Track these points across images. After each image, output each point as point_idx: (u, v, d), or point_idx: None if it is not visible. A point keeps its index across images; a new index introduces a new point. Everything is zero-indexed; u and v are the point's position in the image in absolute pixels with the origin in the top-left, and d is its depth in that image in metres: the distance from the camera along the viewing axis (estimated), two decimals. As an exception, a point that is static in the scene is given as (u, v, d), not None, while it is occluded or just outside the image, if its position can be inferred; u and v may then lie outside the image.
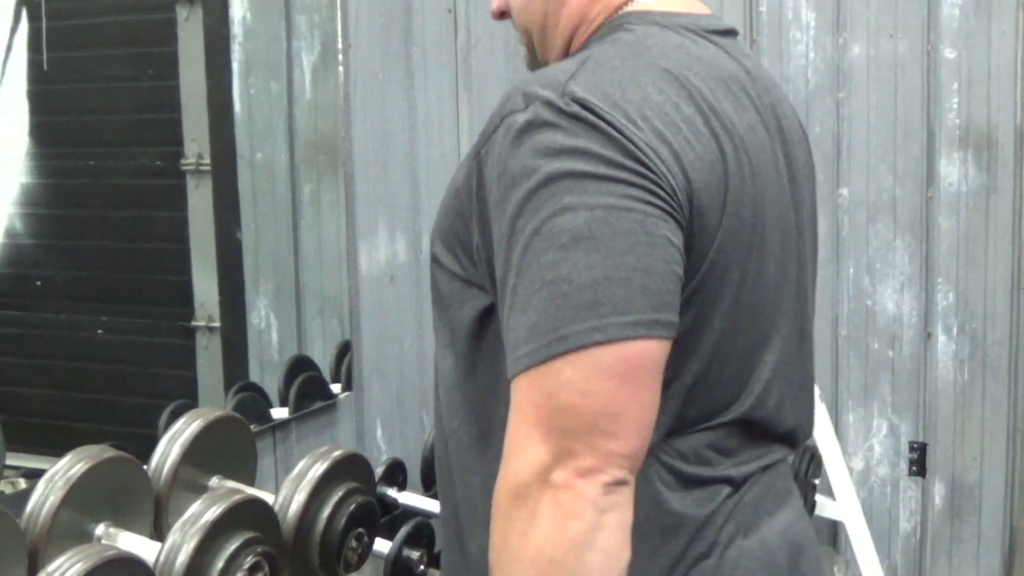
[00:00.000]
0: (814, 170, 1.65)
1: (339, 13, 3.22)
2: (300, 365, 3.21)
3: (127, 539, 1.86)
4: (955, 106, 3.96)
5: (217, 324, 2.92)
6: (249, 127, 3.01)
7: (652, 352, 1.21)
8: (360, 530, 2.06)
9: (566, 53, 1.50)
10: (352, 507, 2.04)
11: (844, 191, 4.11)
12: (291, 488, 2.00)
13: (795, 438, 1.56)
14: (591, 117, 1.23)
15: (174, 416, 2.55)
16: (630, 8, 1.45)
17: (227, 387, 2.93)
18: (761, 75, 1.50)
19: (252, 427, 2.74)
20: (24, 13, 2.59)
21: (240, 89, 2.97)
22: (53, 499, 1.79)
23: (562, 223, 1.20)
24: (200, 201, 2.87)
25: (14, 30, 2.59)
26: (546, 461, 1.18)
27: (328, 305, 3.34)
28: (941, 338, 4.07)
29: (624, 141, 1.22)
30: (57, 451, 2.22)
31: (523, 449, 1.19)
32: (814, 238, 1.58)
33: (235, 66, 2.96)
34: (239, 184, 2.99)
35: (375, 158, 3.44)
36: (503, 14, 1.59)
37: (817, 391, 3.84)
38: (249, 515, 1.83)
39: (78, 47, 2.72)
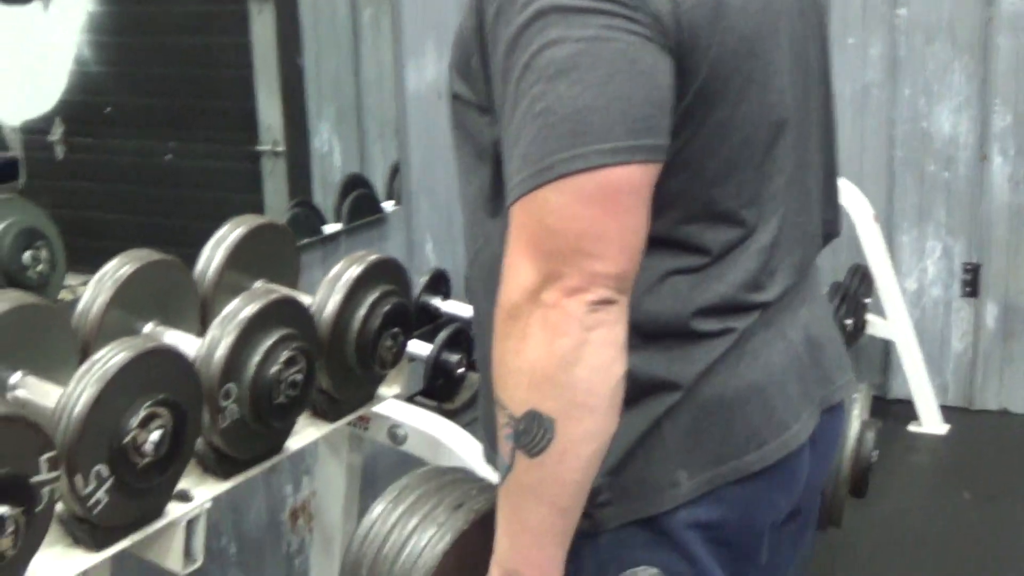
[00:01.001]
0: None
1: None
2: (354, 183, 3.30)
3: (172, 335, 1.96)
4: (1018, -78, 3.94)
5: (282, 148, 3.01)
6: (310, -47, 3.07)
7: (634, 177, 1.27)
8: (395, 330, 2.13)
9: None
10: (387, 307, 2.10)
11: (902, 11, 4.13)
12: (327, 289, 2.07)
13: (824, 238, 1.62)
14: None
15: None
16: None
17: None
18: None
19: (305, 239, 2.87)
20: None
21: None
22: (102, 299, 1.88)
23: (549, 56, 1.25)
24: (263, 27, 2.94)
25: None
26: (536, 282, 1.25)
27: (388, 127, 3.43)
28: (997, 159, 4.13)
29: None
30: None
31: (516, 271, 1.27)
32: (821, 33, 1.59)
33: None
34: (300, 9, 3.04)
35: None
36: None
37: (871, 211, 3.94)
38: (286, 313, 1.91)
39: None
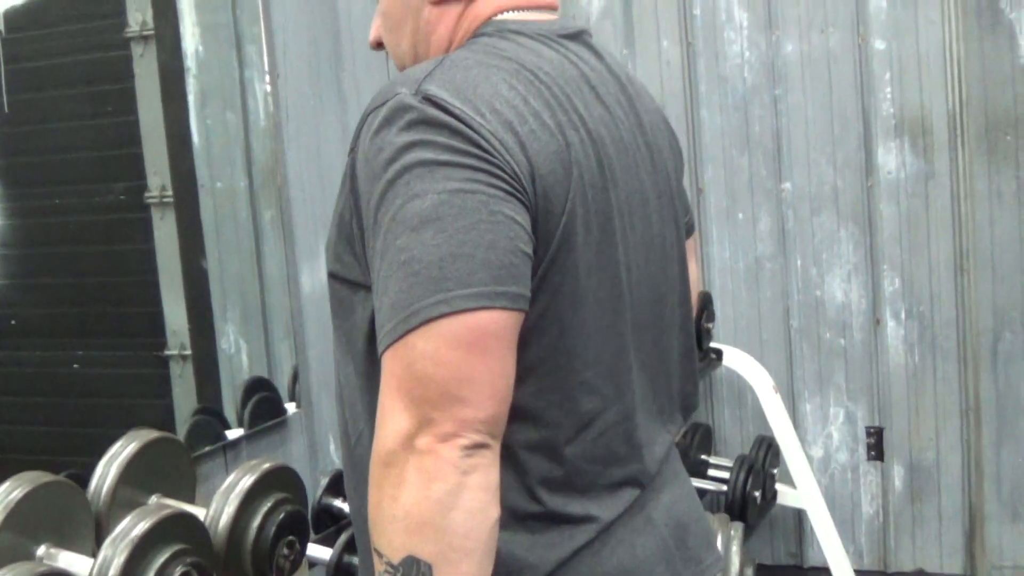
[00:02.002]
0: (680, 157, 1.79)
1: (264, 47, 3.36)
2: (256, 386, 3.36)
3: (66, 557, 1.98)
4: (889, 95, 4.21)
5: (189, 352, 3.07)
6: (208, 157, 3.18)
7: (497, 321, 1.33)
8: (291, 538, 2.17)
9: None
10: (281, 516, 2.15)
11: (787, 185, 4.34)
12: (221, 500, 2.12)
13: (682, 414, 1.72)
14: (439, 113, 1.37)
15: None
16: (489, 23, 1.60)
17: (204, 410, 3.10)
18: (618, 72, 1.65)
19: (207, 447, 2.91)
20: (-19, 58, 2.74)
21: (197, 120, 3.14)
22: None
23: (413, 208, 1.33)
24: (166, 232, 3.02)
25: (-28, 76, 2.73)
26: (409, 429, 1.30)
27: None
28: (890, 323, 4.31)
29: (469, 132, 1.36)
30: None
31: (389, 419, 1.32)
32: (677, 218, 1.68)
33: (191, 98, 3.13)
34: (202, 214, 3.14)
35: (311, 182, 3.58)
36: (379, 44, 1.74)
37: (772, 383, 4.10)
38: (178, 528, 1.95)
39: (38, 88, 2.87)
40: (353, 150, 1.46)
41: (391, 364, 1.33)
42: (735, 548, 3.02)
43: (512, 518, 1.43)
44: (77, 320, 2.95)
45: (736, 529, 3.06)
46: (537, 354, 1.43)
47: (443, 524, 1.29)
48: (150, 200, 3.00)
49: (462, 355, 1.31)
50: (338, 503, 3.18)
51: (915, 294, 4.27)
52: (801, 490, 4.25)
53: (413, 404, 1.31)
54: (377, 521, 1.34)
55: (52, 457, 2.76)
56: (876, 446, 4.39)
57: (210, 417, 3.16)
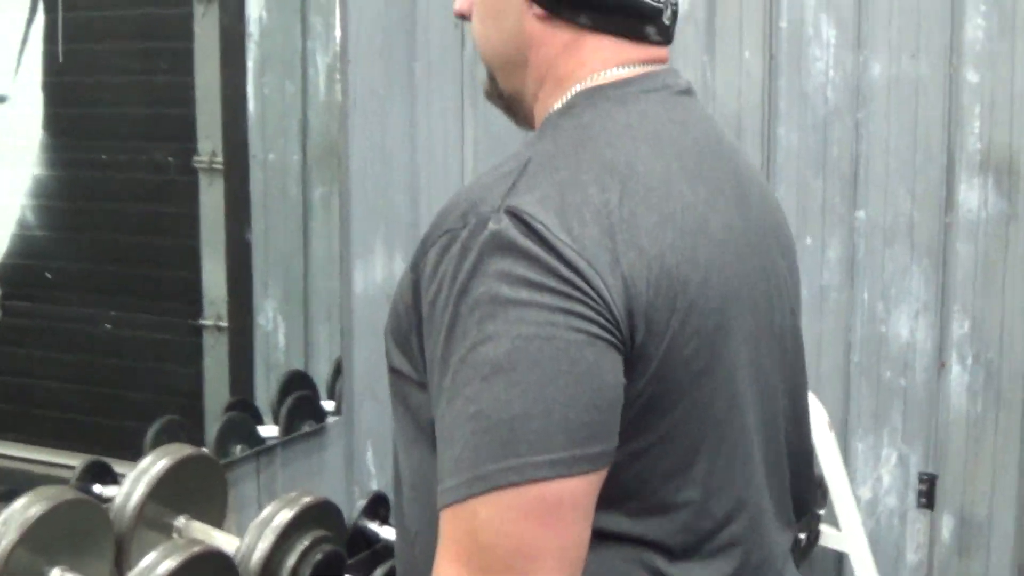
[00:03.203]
0: (785, 229, 1.69)
1: (338, 31, 3.38)
2: (294, 382, 3.37)
3: None
4: (976, 130, 4.16)
5: (225, 324, 3.11)
6: (262, 127, 3.22)
7: (574, 489, 1.24)
8: None
9: (535, 96, 1.54)
10: (319, 557, 2.09)
11: (861, 213, 4.31)
12: (255, 535, 2.07)
13: (796, 515, 1.65)
14: (519, 237, 1.27)
15: (159, 436, 2.74)
16: (587, 84, 1.48)
17: (231, 387, 3.13)
18: (718, 134, 1.55)
19: (239, 450, 2.92)
20: (40, 4, 2.79)
21: (254, 88, 3.18)
22: (6, 542, 1.88)
23: (484, 353, 1.24)
24: (212, 199, 3.07)
25: (30, 21, 2.78)
26: None
27: (335, 309, 3.54)
28: (955, 368, 4.27)
29: (551, 259, 1.26)
30: (61, 444, 2.42)
31: None
32: (793, 310, 1.62)
33: (250, 64, 3.17)
34: (251, 184, 3.18)
35: (373, 176, 3.60)
36: (464, 16, 1.60)
37: (826, 418, 4.07)
38: (206, 568, 1.90)
39: (94, 39, 2.92)
40: (417, 267, 1.36)
41: (450, 527, 1.26)
42: None
43: None
44: (114, 279, 3.00)
45: None
46: (632, 477, 1.35)
47: None
48: (199, 164, 3.04)
49: (531, 527, 1.22)
50: (374, 527, 3.16)
51: (984, 339, 4.22)
52: (846, 532, 4.21)
53: (472, 574, 1.23)
54: None
55: (76, 416, 2.81)
56: (927, 493, 4.35)
57: (243, 413, 3.18)
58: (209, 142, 3.03)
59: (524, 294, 1.24)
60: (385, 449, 3.59)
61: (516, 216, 1.27)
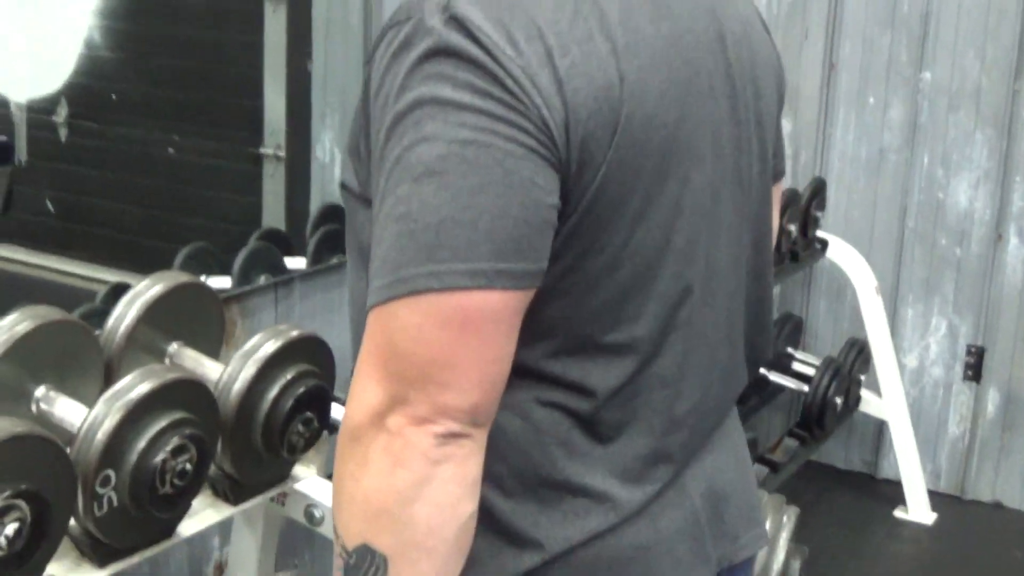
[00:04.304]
0: (779, 77, 1.62)
1: None
2: (328, 216, 3.40)
3: (63, 405, 1.96)
4: (1056, -7, 4.16)
5: (284, 153, 3.19)
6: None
7: (495, 303, 1.24)
8: (308, 414, 2.11)
9: None
10: (301, 390, 2.07)
11: (927, 75, 4.35)
12: (237, 365, 2.05)
13: (749, 368, 1.62)
14: (464, 41, 1.25)
15: (187, 261, 2.81)
16: None
17: (287, 217, 3.21)
18: None
19: (263, 278, 2.97)
20: None
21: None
22: None
23: (419, 153, 1.23)
24: (276, 26, 3.12)
25: None
26: (381, 405, 1.24)
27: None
28: (1012, 240, 4.35)
29: (496, 68, 1.24)
30: (119, 264, 2.52)
31: (362, 389, 1.26)
32: (763, 151, 1.56)
33: None
34: (314, 12, 3.23)
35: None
36: None
37: (875, 283, 4.15)
38: (184, 394, 1.90)
39: None
40: (370, 62, 1.35)
41: (373, 327, 1.27)
42: (784, 536, 2.92)
43: (520, 484, 1.38)
44: (177, 104, 3.07)
45: (790, 515, 2.99)
46: (559, 314, 1.34)
47: (403, 516, 1.24)
48: (264, -9, 3.09)
49: (448, 336, 1.23)
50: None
51: (1046, 212, 4.27)
52: (886, 400, 4.33)
53: (389, 378, 1.24)
54: (337, 498, 1.30)
55: (135, 238, 2.91)
56: (975, 366, 4.45)
57: (268, 243, 3.20)
58: (275, -32, 3.08)
59: (467, 98, 1.23)
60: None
61: (459, 22, 1.25)
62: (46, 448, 1.74)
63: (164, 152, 3.05)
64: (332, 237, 3.32)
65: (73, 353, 2.00)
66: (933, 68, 4.34)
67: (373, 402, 1.25)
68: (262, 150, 3.17)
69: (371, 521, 1.26)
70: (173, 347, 2.16)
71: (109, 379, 2.03)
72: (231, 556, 2.50)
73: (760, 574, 2.91)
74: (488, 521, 1.35)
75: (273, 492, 2.22)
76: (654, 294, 1.38)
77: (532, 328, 1.30)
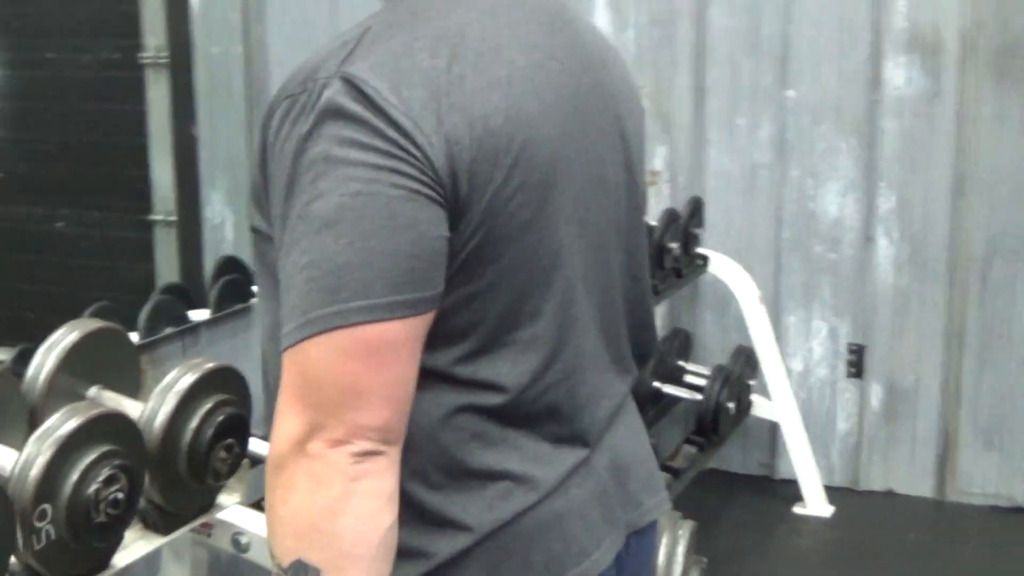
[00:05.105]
0: (636, 97, 1.73)
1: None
2: (227, 267, 3.43)
3: None
4: (903, 9, 4.31)
5: (174, 218, 3.19)
6: (206, 21, 3.26)
7: (396, 332, 1.35)
8: (229, 441, 2.16)
9: None
10: (221, 418, 2.13)
11: (790, 92, 4.46)
12: (158, 400, 2.09)
13: (639, 362, 1.75)
14: (351, 101, 1.36)
15: (96, 315, 2.80)
16: None
17: (181, 278, 3.21)
18: (559, 5, 1.61)
19: (168, 330, 2.98)
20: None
21: (196, -19, 3.21)
22: None
23: (316, 209, 1.34)
24: (159, 95, 3.13)
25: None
26: (301, 433, 1.34)
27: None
28: (882, 241, 4.47)
29: (379, 121, 1.35)
30: (12, 342, 2.51)
31: (283, 422, 1.36)
32: (630, 168, 1.66)
33: (189, -42, 3.20)
34: (195, 77, 3.24)
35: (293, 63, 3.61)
36: None
37: (758, 292, 4.23)
38: (109, 428, 1.94)
39: (34, -62, 2.95)
40: (264, 129, 1.45)
41: (288, 368, 1.37)
42: (681, 549, 3.02)
43: (445, 477, 1.48)
44: (64, 178, 3.06)
45: (685, 528, 3.08)
46: (467, 320, 1.45)
47: (331, 530, 1.34)
48: (145, 61, 3.09)
49: (356, 366, 1.35)
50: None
51: (910, 214, 4.42)
52: (776, 402, 4.43)
53: (306, 409, 1.35)
54: (270, 522, 1.39)
55: (29, 314, 2.89)
56: (856, 363, 4.56)
57: (171, 296, 3.22)
58: (154, 38, 3.08)
59: (352, 154, 1.34)
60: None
61: (349, 81, 1.37)
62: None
63: (53, 227, 3.04)
64: (232, 285, 3.34)
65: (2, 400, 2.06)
66: (796, 86, 4.45)
67: (294, 432, 1.35)
68: (152, 216, 3.17)
69: (302, 538, 1.34)
70: (93, 391, 2.21)
71: (34, 425, 2.05)
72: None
73: (660, 588, 2.95)
74: (420, 514, 1.46)
75: (201, 520, 2.27)
76: (549, 294, 1.50)
77: (443, 336, 1.42)
